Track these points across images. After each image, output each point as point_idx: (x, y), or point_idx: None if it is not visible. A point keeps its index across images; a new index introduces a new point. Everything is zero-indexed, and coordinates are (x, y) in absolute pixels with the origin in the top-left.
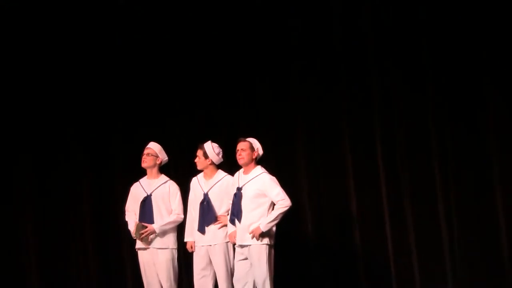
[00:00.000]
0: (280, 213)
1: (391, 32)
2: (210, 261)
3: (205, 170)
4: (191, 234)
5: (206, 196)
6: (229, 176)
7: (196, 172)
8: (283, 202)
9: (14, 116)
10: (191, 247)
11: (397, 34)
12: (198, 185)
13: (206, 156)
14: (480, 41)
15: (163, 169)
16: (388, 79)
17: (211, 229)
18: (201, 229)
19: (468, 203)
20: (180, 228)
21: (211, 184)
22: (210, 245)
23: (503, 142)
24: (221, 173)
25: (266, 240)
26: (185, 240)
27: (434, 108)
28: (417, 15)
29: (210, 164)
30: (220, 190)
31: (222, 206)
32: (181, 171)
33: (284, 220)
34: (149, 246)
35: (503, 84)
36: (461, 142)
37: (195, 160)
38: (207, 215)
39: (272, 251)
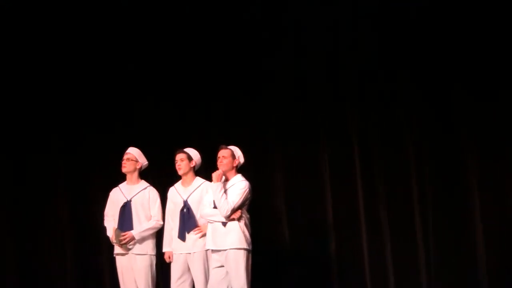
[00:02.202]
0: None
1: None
2: (188, 269)
3: (184, 177)
4: (169, 244)
5: (186, 203)
6: (207, 182)
7: (174, 180)
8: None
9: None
10: (169, 258)
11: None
12: (176, 194)
13: (190, 158)
14: None
15: (143, 175)
16: (367, 83)
17: (191, 236)
18: (182, 236)
19: (445, 213)
20: (158, 235)
21: (190, 191)
22: (189, 253)
23: (482, 153)
24: (199, 180)
25: (244, 245)
26: (163, 250)
27: (410, 118)
28: None
29: (192, 168)
30: (200, 196)
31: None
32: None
33: (261, 226)
34: (128, 252)
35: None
36: (439, 152)
37: (178, 165)
38: (188, 221)
39: (250, 256)
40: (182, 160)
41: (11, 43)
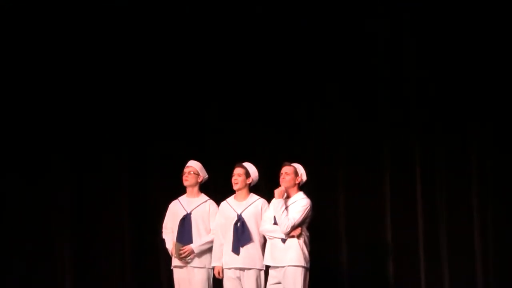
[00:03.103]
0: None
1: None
2: (240, 285)
3: (238, 192)
4: (219, 259)
5: (240, 216)
6: (262, 200)
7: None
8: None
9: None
10: (219, 273)
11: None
12: (229, 208)
13: (248, 175)
14: None
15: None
16: (428, 102)
17: (245, 251)
18: (236, 250)
19: (506, 238)
20: None
21: (245, 206)
22: (243, 269)
23: None
24: (254, 196)
25: (302, 262)
26: (212, 264)
27: (477, 142)
28: None
29: (248, 184)
30: (255, 212)
31: (256, 230)
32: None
33: (320, 245)
34: (186, 265)
35: None
36: (501, 176)
37: (234, 179)
38: (242, 235)
39: (308, 275)
40: (239, 175)
41: (59, 56)
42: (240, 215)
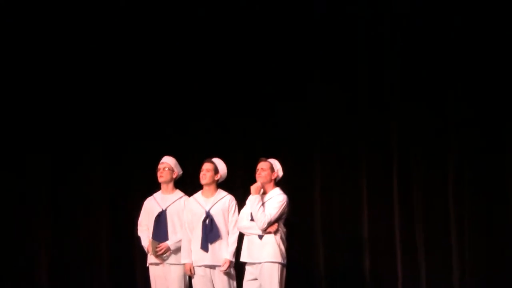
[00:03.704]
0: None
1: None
2: (211, 282)
3: (206, 187)
4: (189, 256)
5: (208, 213)
6: (230, 196)
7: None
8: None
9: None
10: (190, 270)
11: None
12: (196, 204)
13: (216, 171)
14: None
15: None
16: (407, 102)
17: (214, 248)
18: (204, 247)
19: (482, 235)
20: None
21: (213, 202)
22: (213, 266)
23: None
24: (222, 192)
25: (279, 259)
26: (182, 261)
27: (453, 135)
28: None
29: (216, 180)
30: (223, 209)
31: (224, 226)
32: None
33: (296, 240)
34: (162, 262)
35: None
36: (479, 172)
37: (203, 174)
38: (210, 232)
39: (284, 271)
40: (208, 170)
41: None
42: (208, 211)
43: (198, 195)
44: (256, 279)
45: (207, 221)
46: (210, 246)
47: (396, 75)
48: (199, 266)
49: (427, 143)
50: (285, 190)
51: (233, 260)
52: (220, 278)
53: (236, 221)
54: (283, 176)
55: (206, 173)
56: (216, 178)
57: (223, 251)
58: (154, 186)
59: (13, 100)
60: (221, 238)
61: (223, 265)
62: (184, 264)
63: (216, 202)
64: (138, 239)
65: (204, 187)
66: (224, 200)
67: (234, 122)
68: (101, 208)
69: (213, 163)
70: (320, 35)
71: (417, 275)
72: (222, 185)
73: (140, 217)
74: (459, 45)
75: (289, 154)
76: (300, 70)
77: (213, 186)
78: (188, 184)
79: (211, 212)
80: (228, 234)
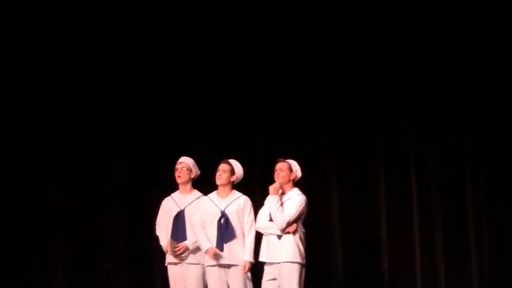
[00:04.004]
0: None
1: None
2: (226, 282)
3: (221, 188)
4: (208, 241)
5: (223, 213)
6: (245, 197)
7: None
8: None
9: (50, 116)
10: (214, 254)
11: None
12: (211, 203)
13: (232, 172)
14: None
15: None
16: (422, 104)
17: (229, 247)
18: (220, 246)
19: (500, 237)
20: None
21: (228, 202)
22: (228, 266)
23: None
24: (236, 193)
25: (298, 259)
26: (204, 248)
27: (470, 140)
28: None
29: (231, 181)
30: (238, 209)
31: (239, 227)
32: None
33: (315, 241)
34: (181, 261)
35: None
36: (496, 175)
37: (219, 174)
38: (226, 231)
39: (303, 271)
40: (224, 171)
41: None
42: (224, 211)
43: (213, 195)
44: (275, 279)
45: (222, 220)
46: (225, 246)
47: (413, 76)
48: (213, 266)
49: (444, 143)
50: (303, 190)
51: (253, 261)
52: (236, 278)
53: (252, 221)
54: (301, 177)
55: (222, 174)
56: (232, 179)
57: (238, 251)
58: (171, 186)
59: (33, 101)
60: (236, 238)
61: (244, 268)
62: (206, 250)
63: (231, 202)
64: (156, 238)
65: (220, 188)
66: (239, 200)
67: (251, 123)
68: (118, 209)
69: (229, 164)
70: (338, 37)
71: (436, 275)
72: (239, 186)
73: (158, 217)
74: (474, 47)
75: (307, 155)
76: (318, 73)
77: (228, 187)
78: (205, 184)
79: (226, 211)
80: (243, 235)
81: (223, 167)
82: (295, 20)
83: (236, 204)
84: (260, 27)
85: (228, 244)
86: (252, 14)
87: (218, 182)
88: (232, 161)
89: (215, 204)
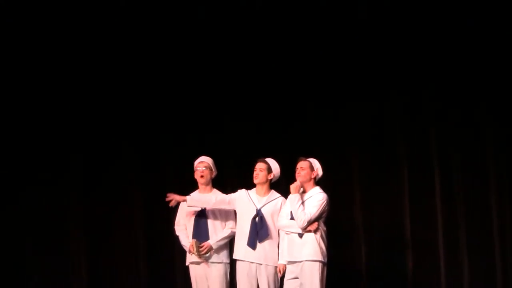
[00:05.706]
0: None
1: None
2: (257, 280)
3: (259, 186)
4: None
5: (259, 211)
6: (283, 198)
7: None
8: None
9: (67, 117)
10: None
11: None
12: (249, 200)
13: (269, 170)
14: None
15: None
16: (446, 102)
17: (262, 246)
18: (252, 245)
19: None
20: (230, 243)
21: (265, 201)
22: (260, 264)
23: None
24: (275, 193)
25: (319, 257)
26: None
27: (493, 142)
28: None
29: (269, 180)
30: (274, 210)
31: (273, 227)
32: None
33: (337, 239)
34: (203, 261)
35: None
36: None
37: (256, 173)
38: (261, 230)
39: (325, 269)
40: (261, 170)
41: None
42: (260, 210)
43: (252, 191)
44: (297, 277)
45: (257, 219)
46: (258, 244)
47: (436, 72)
48: (243, 261)
49: (467, 144)
50: (325, 189)
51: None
52: (267, 277)
53: None
54: (322, 175)
55: (259, 173)
56: (269, 178)
57: (271, 251)
58: (188, 185)
59: (50, 102)
60: (271, 238)
61: (280, 271)
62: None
63: (268, 202)
64: (176, 238)
65: (257, 186)
66: (276, 201)
67: (273, 123)
68: (137, 209)
69: (266, 162)
70: (360, 40)
71: (460, 275)
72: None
73: (177, 216)
74: (494, 50)
75: (329, 155)
76: (339, 74)
77: (266, 186)
78: (228, 184)
79: (262, 210)
80: (278, 236)
81: (260, 165)
82: (310, 23)
83: (273, 205)
84: (272, 29)
85: (262, 243)
86: (267, 15)
87: (255, 180)
88: (269, 159)
89: (252, 201)
